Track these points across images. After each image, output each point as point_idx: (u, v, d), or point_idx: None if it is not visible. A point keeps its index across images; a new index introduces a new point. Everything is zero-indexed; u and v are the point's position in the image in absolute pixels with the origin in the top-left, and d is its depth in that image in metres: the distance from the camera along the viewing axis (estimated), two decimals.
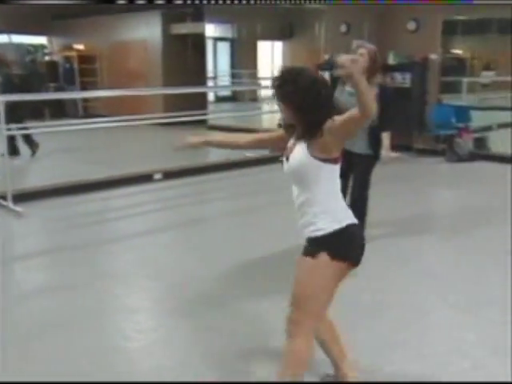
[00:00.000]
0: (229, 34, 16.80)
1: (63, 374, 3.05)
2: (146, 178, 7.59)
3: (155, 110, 11.87)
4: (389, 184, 7.13)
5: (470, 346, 3.36)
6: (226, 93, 16.19)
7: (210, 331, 3.55)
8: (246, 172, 8.48)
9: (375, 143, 4.68)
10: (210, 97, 14.51)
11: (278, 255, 4.92)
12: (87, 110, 14.96)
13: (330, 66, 10.29)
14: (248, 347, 3.36)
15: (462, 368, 3.12)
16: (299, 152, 2.45)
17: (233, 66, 16.89)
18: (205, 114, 11.56)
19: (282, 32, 15.72)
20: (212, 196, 7.46)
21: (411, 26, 10.01)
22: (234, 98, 15.61)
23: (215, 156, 10.29)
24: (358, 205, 4.81)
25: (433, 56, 9.92)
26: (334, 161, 2.46)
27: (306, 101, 2.35)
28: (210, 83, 14.93)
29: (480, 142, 9.95)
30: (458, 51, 19.52)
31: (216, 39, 16.48)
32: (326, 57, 10.64)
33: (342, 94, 4.73)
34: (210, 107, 13.92)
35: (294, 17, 14.62)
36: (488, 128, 12.13)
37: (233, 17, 15.33)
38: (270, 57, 16.82)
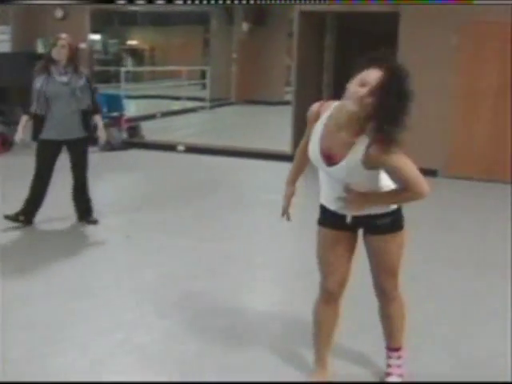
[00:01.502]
0: None
1: None
2: None
3: None
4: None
5: None
6: None
7: None
8: None
9: (89, 125, 5.33)
10: None
11: None
12: None
13: None
14: None
15: None
16: None
17: None
18: None
19: None
20: None
21: (58, 13, 9.85)
22: None
23: None
24: (86, 187, 5.47)
25: (82, 45, 9.87)
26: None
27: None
28: None
29: (134, 131, 10.22)
30: (134, 42, 20.04)
31: None
32: None
33: (53, 85, 5.04)
34: None
35: None
36: (151, 117, 12.63)
37: None
38: None
